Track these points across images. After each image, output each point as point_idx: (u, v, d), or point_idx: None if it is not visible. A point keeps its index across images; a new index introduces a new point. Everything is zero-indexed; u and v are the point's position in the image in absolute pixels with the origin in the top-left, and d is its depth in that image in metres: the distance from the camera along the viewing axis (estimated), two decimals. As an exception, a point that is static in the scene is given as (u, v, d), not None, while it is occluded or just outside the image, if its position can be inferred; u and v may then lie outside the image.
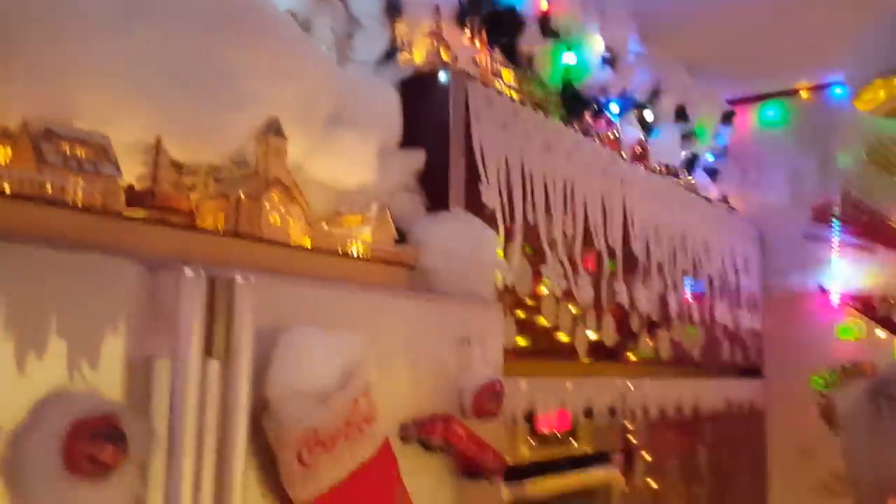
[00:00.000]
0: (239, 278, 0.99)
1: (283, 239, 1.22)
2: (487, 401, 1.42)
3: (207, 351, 0.96)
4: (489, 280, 1.57)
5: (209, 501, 0.94)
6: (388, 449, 1.21)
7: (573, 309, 2.05)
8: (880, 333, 3.10)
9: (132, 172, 1.08)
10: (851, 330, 3.19)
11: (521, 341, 1.90)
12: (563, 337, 2.05)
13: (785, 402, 3.32)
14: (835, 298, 3.17)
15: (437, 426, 1.32)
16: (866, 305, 3.10)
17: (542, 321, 1.97)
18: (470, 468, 1.41)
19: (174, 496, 0.91)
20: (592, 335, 2.14)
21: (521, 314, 1.89)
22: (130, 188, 1.05)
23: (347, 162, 1.40)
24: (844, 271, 3.17)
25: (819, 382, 3.18)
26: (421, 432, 1.30)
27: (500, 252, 1.68)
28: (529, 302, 1.93)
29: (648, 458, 2.39)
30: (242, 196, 1.19)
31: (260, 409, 1.02)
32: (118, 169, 1.00)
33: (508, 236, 1.76)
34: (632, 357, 2.38)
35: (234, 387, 0.99)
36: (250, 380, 1.00)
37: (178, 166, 1.17)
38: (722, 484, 2.92)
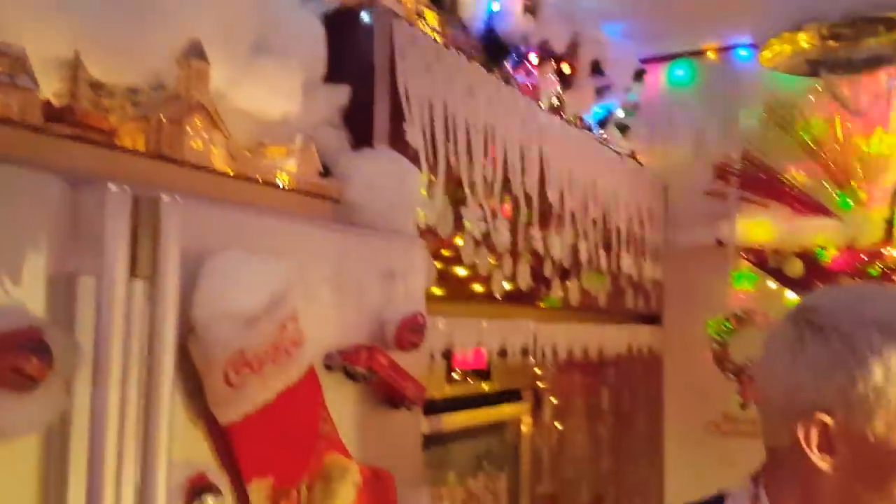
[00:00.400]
0: (165, 197, 0.97)
1: (206, 164, 1.21)
2: (410, 333, 1.46)
3: (132, 271, 0.95)
4: (413, 217, 1.60)
5: (136, 417, 0.94)
6: (313, 375, 1.24)
7: (491, 260, 2.10)
8: (771, 285, 3.32)
9: (48, 89, 1.04)
10: (745, 281, 3.40)
11: (438, 291, 1.93)
12: (479, 288, 2.11)
13: (681, 348, 3.53)
14: (731, 251, 3.37)
15: (361, 355, 1.35)
16: (760, 258, 3.31)
17: (459, 273, 2.01)
18: (392, 397, 1.45)
19: (100, 413, 0.91)
20: (507, 285, 2.21)
21: (438, 265, 1.93)
22: (48, 104, 1.01)
23: (271, 92, 1.38)
24: (741, 226, 3.36)
25: (713, 329, 3.40)
26: (345, 360, 1.33)
27: (423, 192, 1.70)
28: (446, 252, 1.96)
29: (555, 396, 2.51)
30: (164, 119, 1.16)
31: (186, 333, 1.02)
32: (35, 82, 0.96)
33: (431, 177, 1.78)
34: (543, 303, 2.47)
35: (160, 307, 0.98)
36: (176, 301, 1.00)
37: (95, 86, 1.12)
38: (622, 423, 3.10)
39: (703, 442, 3.44)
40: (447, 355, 1.95)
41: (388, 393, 1.44)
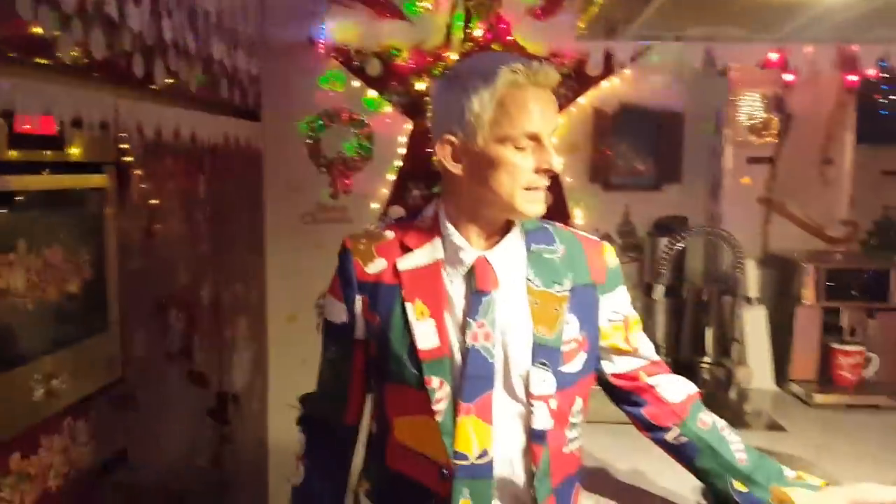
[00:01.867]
0: None
1: None
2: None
3: None
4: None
5: None
6: None
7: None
8: (356, 83, 3.64)
9: None
10: (334, 80, 3.66)
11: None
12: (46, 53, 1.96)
13: (280, 144, 3.74)
14: (322, 50, 3.58)
15: None
16: (345, 57, 3.59)
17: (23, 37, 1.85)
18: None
19: None
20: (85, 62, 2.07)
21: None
22: None
23: None
24: (331, 26, 3.58)
25: (306, 126, 3.66)
26: None
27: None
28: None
29: (144, 176, 2.52)
30: None
31: None
32: None
33: None
34: (128, 81, 2.40)
35: None
36: None
37: None
38: (221, 211, 3.24)
39: (299, 229, 3.78)
40: (7, 116, 1.82)
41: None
